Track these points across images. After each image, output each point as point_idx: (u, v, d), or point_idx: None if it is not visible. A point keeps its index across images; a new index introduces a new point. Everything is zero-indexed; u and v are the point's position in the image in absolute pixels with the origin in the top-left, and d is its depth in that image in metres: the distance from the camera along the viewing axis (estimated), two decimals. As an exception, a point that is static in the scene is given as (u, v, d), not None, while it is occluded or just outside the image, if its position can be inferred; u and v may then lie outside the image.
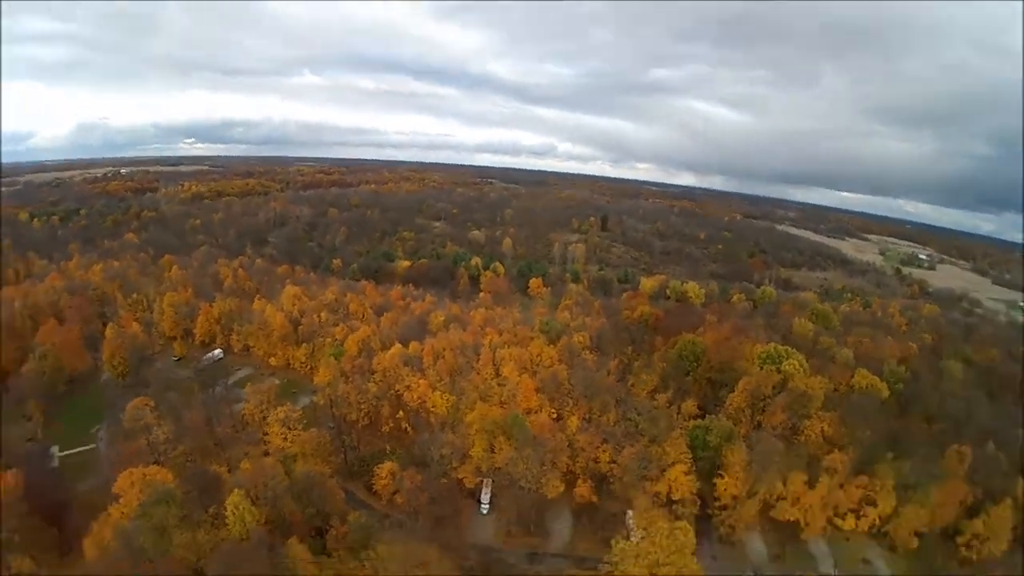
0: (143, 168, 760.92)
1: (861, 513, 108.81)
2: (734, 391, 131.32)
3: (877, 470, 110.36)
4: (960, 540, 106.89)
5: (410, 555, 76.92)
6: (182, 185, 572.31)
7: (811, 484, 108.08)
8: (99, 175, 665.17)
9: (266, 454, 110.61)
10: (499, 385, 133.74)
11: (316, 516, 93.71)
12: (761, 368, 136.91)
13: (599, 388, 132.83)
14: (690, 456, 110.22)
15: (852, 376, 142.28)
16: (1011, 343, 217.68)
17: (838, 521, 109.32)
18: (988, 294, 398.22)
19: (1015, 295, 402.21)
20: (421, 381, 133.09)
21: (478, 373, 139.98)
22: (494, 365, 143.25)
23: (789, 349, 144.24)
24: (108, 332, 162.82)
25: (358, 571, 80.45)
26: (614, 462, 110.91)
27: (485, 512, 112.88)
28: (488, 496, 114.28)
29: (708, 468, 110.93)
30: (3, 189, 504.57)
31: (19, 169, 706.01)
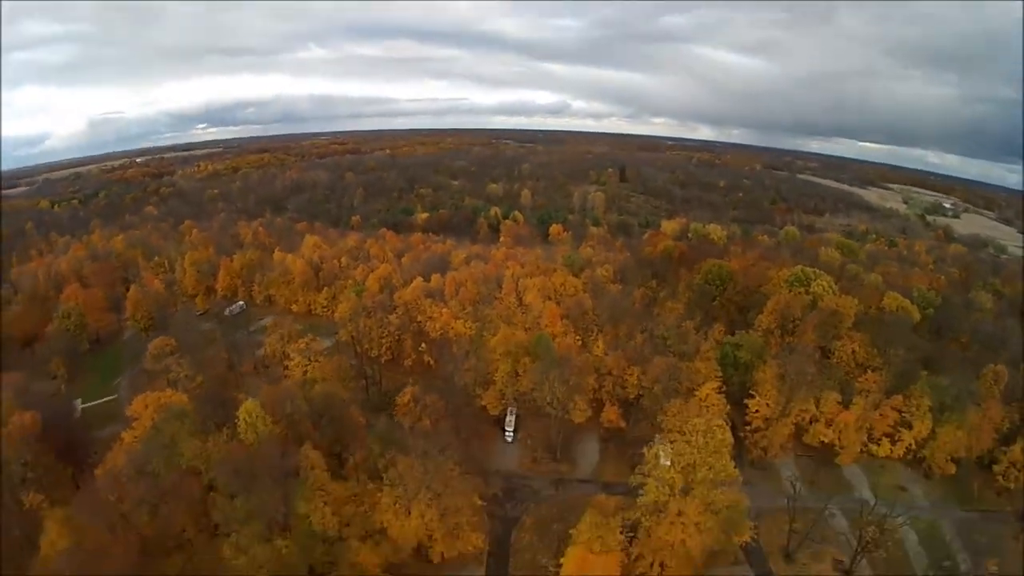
0: (158, 156, 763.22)
1: (896, 437, 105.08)
2: (762, 313, 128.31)
3: (912, 391, 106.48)
4: (997, 469, 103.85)
5: (431, 470, 75.32)
6: (198, 166, 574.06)
7: (845, 405, 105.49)
8: (116, 165, 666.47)
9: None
10: (523, 312, 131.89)
11: (335, 442, 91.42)
12: (789, 290, 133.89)
13: (625, 314, 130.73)
14: (720, 374, 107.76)
15: (882, 299, 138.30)
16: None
17: (872, 447, 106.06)
18: (1014, 242, 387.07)
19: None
20: (443, 311, 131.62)
21: (501, 301, 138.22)
22: (517, 294, 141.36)
23: (817, 271, 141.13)
24: (131, 291, 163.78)
25: (375, 492, 79.29)
26: (642, 385, 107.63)
27: (510, 440, 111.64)
28: (513, 423, 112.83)
29: (738, 390, 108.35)
30: (24, 189, 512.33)
31: (37, 169, 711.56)
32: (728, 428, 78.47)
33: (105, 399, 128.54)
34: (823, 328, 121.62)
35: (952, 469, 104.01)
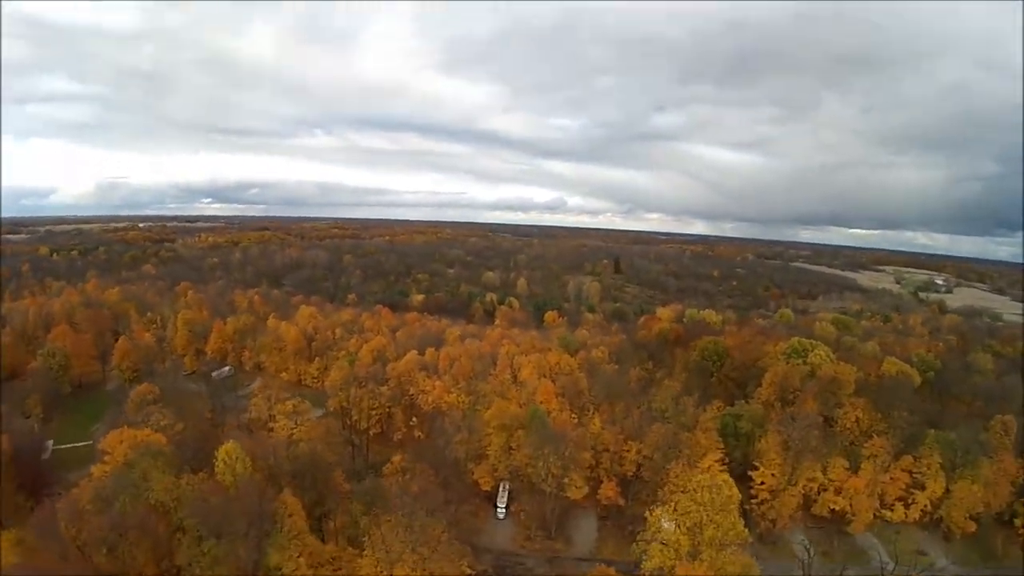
0: (161, 223, 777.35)
1: (910, 500, 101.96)
2: (760, 385, 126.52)
3: (921, 451, 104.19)
4: (1018, 523, 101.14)
5: (417, 531, 70.72)
6: (200, 236, 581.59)
7: (853, 470, 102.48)
8: (119, 227, 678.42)
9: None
10: (517, 388, 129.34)
11: (316, 504, 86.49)
12: (787, 362, 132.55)
13: (621, 392, 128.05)
14: (722, 445, 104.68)
15: (881, 365, 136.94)
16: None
17: (886, 513, 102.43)
18: (1009, 310, 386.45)
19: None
20: (436, 384, 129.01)
21: (495, 377, 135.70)
22: (512, 371, 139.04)
23: (814, 342, 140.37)
24: (119, 342, 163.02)
25: (356, 557, 74.93)
26: (642, 455, 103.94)
27: (502, 516, 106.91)
28: (505, 499, 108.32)
29: (740, 464, 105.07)
30: (24, 236, 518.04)
31: (40, 220, 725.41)
32: (735, 486, 75.13)
33: (79, 444, 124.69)
34: (823, 396, 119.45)
35: (972, 527, 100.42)
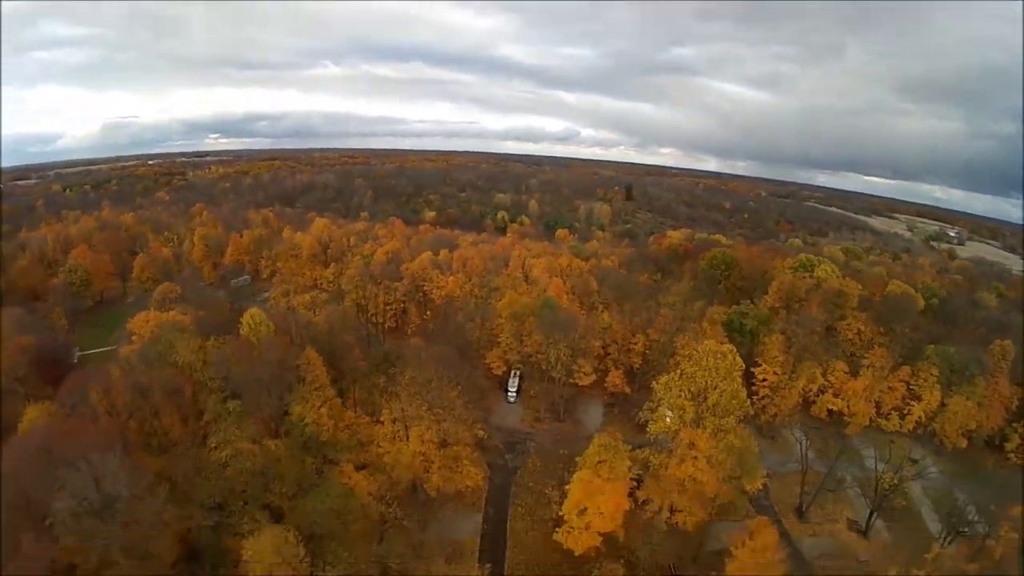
0: (171, 159, 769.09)
1: (906, 411, 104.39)
2: (767, 294, 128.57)
3: (920, 364, 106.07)
4: (1008, 447, 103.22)
5: (433, 390, 73.83)
6: (209, 168, 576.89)
7: (853, 375, 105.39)
8: (128, 164, 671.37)
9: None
10: (528, 286, 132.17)
11: (334, 381, 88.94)
12: (794, 274, 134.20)
13: (631, 294, 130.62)
14: (727, 340, 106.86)
15: (886, 286, 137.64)
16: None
17: (881, 422, 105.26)
18: (1019, 268, 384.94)
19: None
20: (450, 279, 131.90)
21: (508, 275, 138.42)
22: (523, 271, 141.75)
23: (821, 259, 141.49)
24: (138, 258, 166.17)
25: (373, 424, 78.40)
26: (649, 339, 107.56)
27: (513, 400, 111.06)
28: (516, 384, 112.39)
29: (744, 359, 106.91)
30: (34, 181, 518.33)
31: (50, 166, 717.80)
32: (739, 356, 77.13)
33: (104, 348, 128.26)
34: (828, 307, 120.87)
35: (963, 443, 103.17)
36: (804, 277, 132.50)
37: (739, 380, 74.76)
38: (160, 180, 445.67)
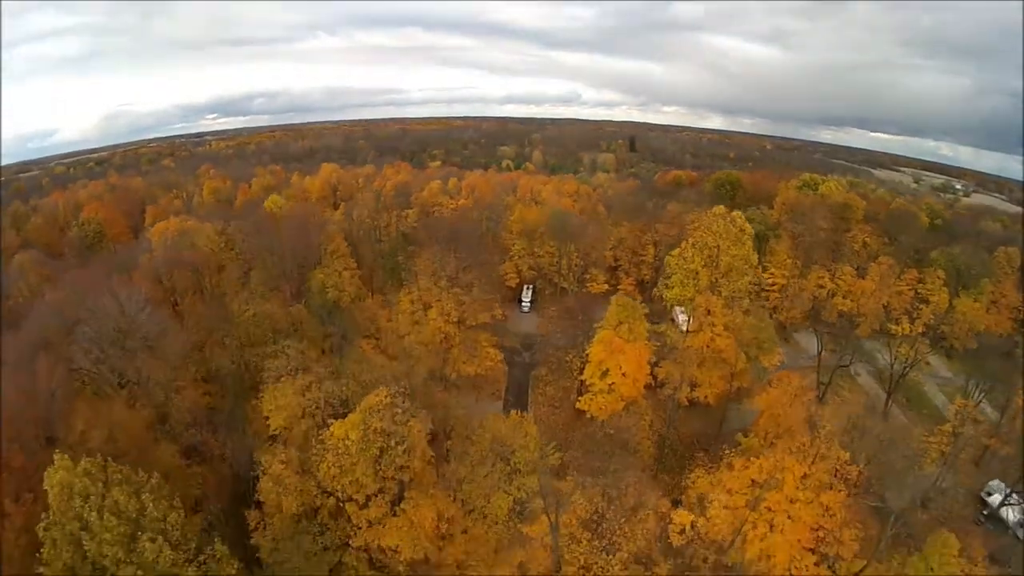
0: (170, 141, 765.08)
1: (915, 315, 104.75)
2: (772, 209, 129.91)
3: (927, 271, 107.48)
4: (1017, 353, 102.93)
5: (451, 263, 75.22)
6: (210, 144, 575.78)
7: (861, 277, 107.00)
8: (129, 149, 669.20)
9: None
10: (538, 206, 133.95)
11: (358, 261, 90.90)
12: (799, 191, 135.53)
13: (639, 214, 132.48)
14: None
15: (890, 204, 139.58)
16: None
17: (891, 326, 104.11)
18: None
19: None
20: (460, 202, 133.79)
21: (518, 198, 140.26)
22: (531, 195, 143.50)
23: (825, 177, 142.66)
24: (149, 209, 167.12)
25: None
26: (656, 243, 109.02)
27: (527, 310, 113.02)
28: (530, 295, 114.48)
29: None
30: (36, 173, 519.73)
31: (50, 159, 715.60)
32: (747, 222, 78.68)
33: None
34: (833, 221, 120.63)
35: (973, 344, 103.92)
36: (809, 193, 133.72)
37: (749, 244, 76.57)
38: (163, 154, 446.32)
